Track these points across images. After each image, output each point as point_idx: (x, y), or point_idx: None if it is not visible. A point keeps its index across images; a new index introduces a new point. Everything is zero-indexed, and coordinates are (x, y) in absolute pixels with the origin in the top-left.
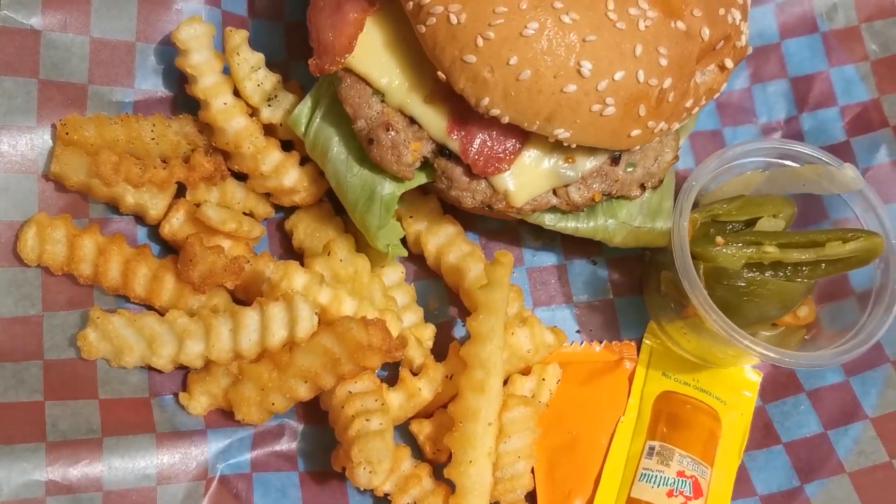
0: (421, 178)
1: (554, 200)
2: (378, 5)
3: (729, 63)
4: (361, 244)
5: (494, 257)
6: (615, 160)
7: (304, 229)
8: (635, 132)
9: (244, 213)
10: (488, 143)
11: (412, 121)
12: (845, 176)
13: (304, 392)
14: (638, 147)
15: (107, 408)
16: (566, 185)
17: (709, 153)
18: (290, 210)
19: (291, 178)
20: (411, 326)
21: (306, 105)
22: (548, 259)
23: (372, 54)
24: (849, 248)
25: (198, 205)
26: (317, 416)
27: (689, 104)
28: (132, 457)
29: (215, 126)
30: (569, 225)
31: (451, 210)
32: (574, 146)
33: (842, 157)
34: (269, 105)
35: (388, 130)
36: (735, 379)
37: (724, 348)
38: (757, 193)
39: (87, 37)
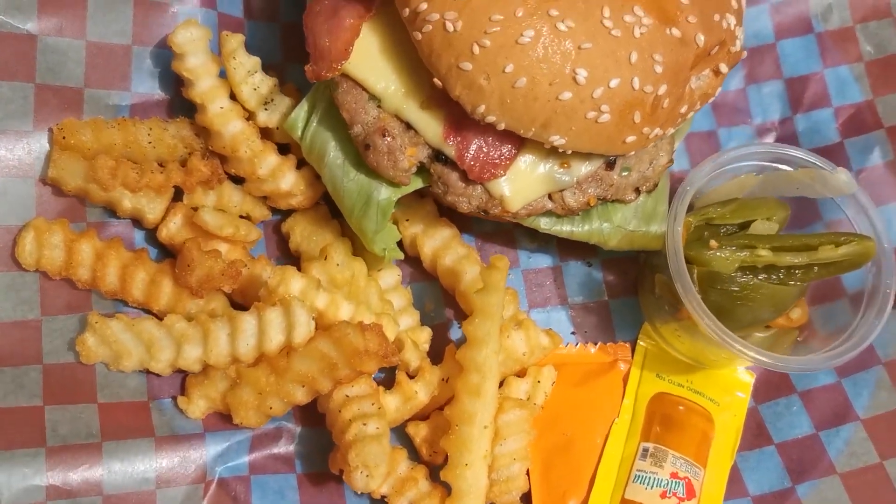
0: (417, 183)
1: (549, 205)
2: (374, 11)
3: (724, 68)
4: (358, 247)
5: (490, 262)
6: (610, 165)
7: (301, 232)
8: (630, 138)
9: (241, 216)
10: (484, 149)
11: (408, 126)
12: (838, 180)
13: (301, 396)
14: (633, 152)
15: (106, 412)
16: (561, 190)
17: (704, 154)
18: (286, 212)
19: (288, 181)
20: (408, 330)
21: (303, 109)
22: (543, 261)
23: (368, 60)
24: (841, 252)
25: (195, 208)
26: (314, 418)
27: (683, 109)
28: (131, 461)
29: (212, 130)
30: (564, 228)
31: (448, 213)
32: (569, 152)
33: (835, 159)
34: (266, 109)
35: (384, 136)
36: (728, 380)
37: (718, 350)
38: (751, 196)
39: (83, 41)
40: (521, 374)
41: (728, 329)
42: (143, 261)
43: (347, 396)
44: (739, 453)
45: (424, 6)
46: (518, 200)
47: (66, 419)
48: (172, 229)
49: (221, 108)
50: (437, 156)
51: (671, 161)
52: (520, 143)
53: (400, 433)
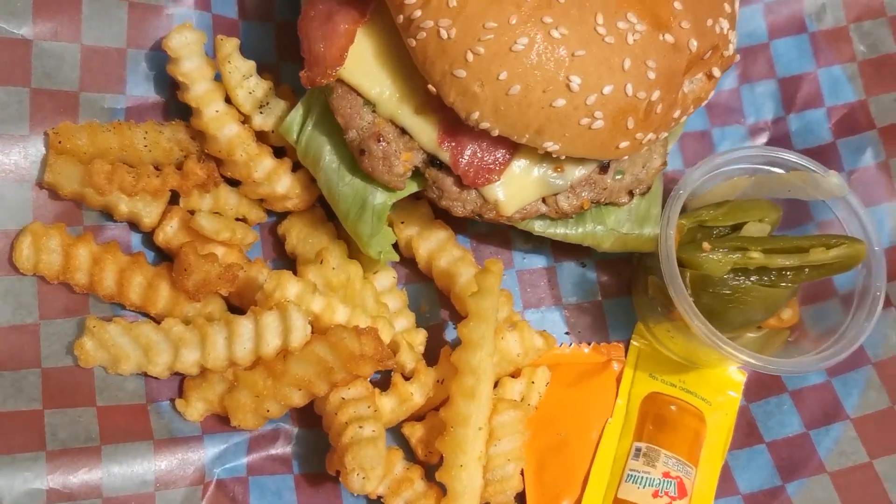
0: (412, 187)
1: (543, 208)
2: (368, 16)
3: (716, 72)
4: (353, 249)
5: (485, 265)
6: (604, 168)
7: (297, 234)
8: (624, 144)
9: (237, 219)
10: (478, 154)
11: (403, 131)
12: (830, 183)
13: (298, 399)
14: (626, 156)
15: (105, 415)
16: (555, 194)
17: (697, 154)
18: (282, 214)
19: (284, 185)
20: (403, 332)
21: (298, 113)
22: (537, 261)
23: (363, 65)
24: (832, 255)
25: (191, 212)
26: (311, 419)
27: (676, 114)
28: (130, 463)
29: (207, 134)
30: (558, 231)
31: (443, 214)
32: (563, 157)
33: (828, 159)
34: (261, 112)
35: (379, 141)
36: (720, 379)
37: (710, 351)
38: (743, 198)
39: (78, 44)
40: (515, 374)
41: (720, 330)
42: (140, 265)
43: (343, 399)
44: (730, 452)
45: (418, 13)
46: (512, 205)
47: (66, 423)
48: (169, 233)
49: (217, 111)
50: (432, 161)
51: (665, 163)
52: (514, 147)
53: (396, 433)
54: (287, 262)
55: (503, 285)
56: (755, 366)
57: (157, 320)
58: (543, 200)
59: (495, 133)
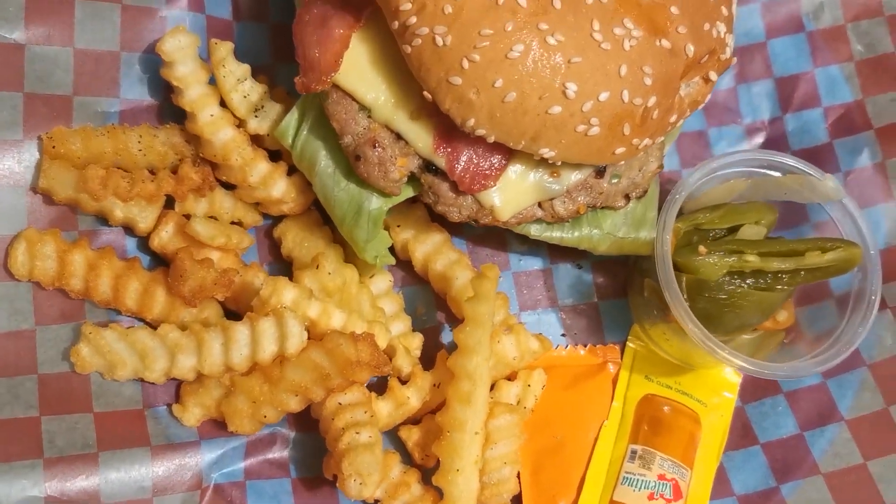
0: (408, 192)
1: (539, 213)
2: (363, 21)
3: (713, 76)
4: (349, 253)
5: (481, 271)
6: (600, 173)
7: (293, 238)
8: (620, 150)
9: (232, 222)
10: (474, 160)
11: (398, 137)
12: (826, 186)
13: (294, 405)
14: (623, 161)
15: (102, 421)
16: (551, 199)
17: (694, 154)
18: (278, 216)
19: (279, 189)
20: (399, 336)
21: (293, 116)
22: (534, 263)
23: (358, 70)
24: (828, 258)
25: (186, 216)
26: (308, 423)
27: (673, 119)
28: (128, 470)
29: (202, 138)
30: (554, 235)
31: (438, 217)
32: (559, 163)
33: (824, 159)
34: (256, 116)
35: (374, 147)
36: (716, 380)
37: (705, 354)
38: (739, 200)
39: (71, 48)
40: (511, 377)
41: (715, 334)
42: (135, 270)
43: (340, 404)
44: (725, 453)
45: (414, 20)
46: (508, 210)
47: (63, 430)
48: (164, 238)
49: (212, 115)
50: (428, 166)
51: (661, 166)
52: (510, 153)
53: (392, 436)
54: (283, 264)
55: (499, 287)
56: (750, 371)
57: (153, 326)
58: (539, 205)
59: (491, 140)
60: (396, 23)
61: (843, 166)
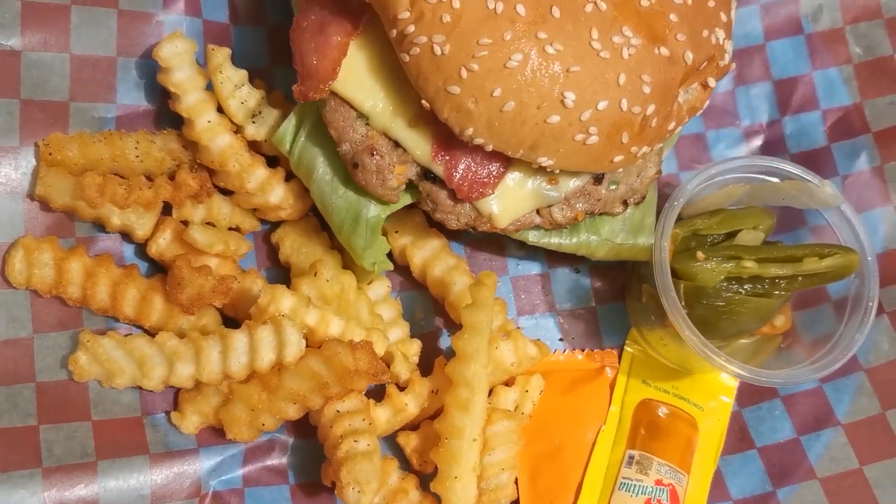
0: (406, 199)
1: (537, 220)
2: (361, 28)
3: (712, 82)
4: (347, 259)
5: (479, 278)
6: (598, 179)
7: (291, 244)
8: (618, 158)
9: (230, 228)
10: (472, 168)
11: (396, 144)
12: (824, 193)
13: (293, 412)
14: (621, 169)
15: (100, 429)
16: (549, 206)
17: (692, 157)
18: (276, 221)
19: (277, 195)
20: (397, 342)
21: (291, 123)
22: (532, 268)
23: (356, 78)
24: (825, 264)
25: (184, 222)
26: (306, 430)
27: (671, 126)
28: (126, 478)
29: (200, 144)
30: (552, 241)
31: (436, 223)
32: (558, 171)
33: (822, 163)
34: (254, 122)
35: (372, 155)
36: (713, 384)
37: (702, 359)
38: (737, 205)
39: (68, 54)
40: (509, 382)
41: (713, 340)
42: (133, 278)
43: (338, 412)
44: (722, 457)
45: (412, 28)
46: (506, 217)
47: (61, 438)
48: (162, 245)
49: (209, 122)
50: (426, 174)
51: (659, 172)
52: (508, 160)
53: (390, 442)
54: (281, 269)
55: (497, 292)
56: (747, 378)
57: (151, 333)
58: (538, 212)
59: (489, 148)
60: (395, 31)
61: (841, 170)
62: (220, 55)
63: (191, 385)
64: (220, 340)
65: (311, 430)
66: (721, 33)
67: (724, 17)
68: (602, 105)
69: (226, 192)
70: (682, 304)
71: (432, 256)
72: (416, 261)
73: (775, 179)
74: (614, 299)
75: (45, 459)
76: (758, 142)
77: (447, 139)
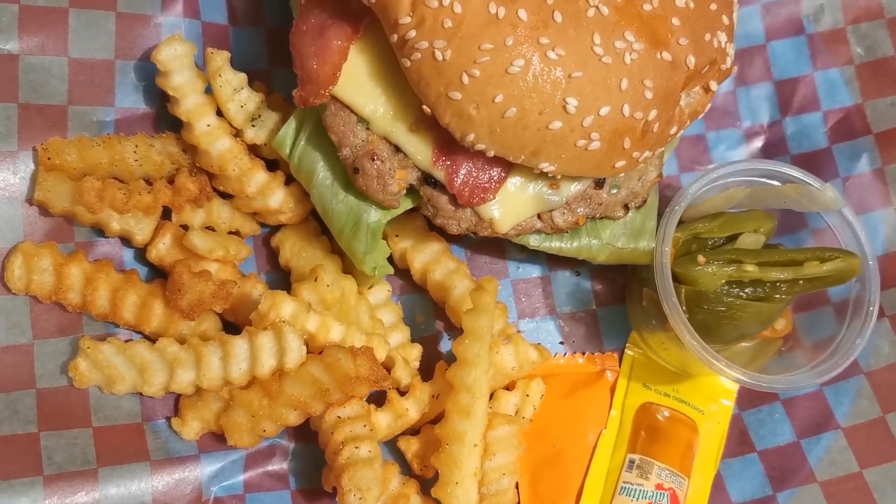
0: (407, 204)
1: (538, 224)
2: (361, 32)
3: (713, 85)
4: (348, 263)
5: (480, 283)
6: (599, 183)
7: (291, 248)
8: (620, 163)
9: (230, 232)
10: (474, 173)
11: (397, 149)
12: (825, 196)
13: (293, 418)
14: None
15: (101, 436)
16: (550, 210)
17: (692, 158)
18: (276, 225)
19: (277, 199)
20: (398, 347)
21: (291, 126)
22: (532, 271)
23: (356, 82)
24: (826, 269)
25: (184, 226)
26: (307, 435)
27: (673, 130)
28: (127, 485)
29: (199, 148)
30: (553, 245)
31: (437, 227)
32: (559, 176)
33: (823, 164)
34: (253, 125)
35: (373, 160)
36: (713, 387)
37: (703, 364)
38: (738, 208)
39: (66, 58)
40: (509, 386)
41: (714, 344)
42: (133, 283)
43: (339, 418)
44: (723, 461)
45: (413, 33)
46: (507, 222)
47: (62, 446)
48: (162, 250)
49: (208, 125)
50: (427, 179)
51: (660, 175)
52: (509, 166)
53: (391, 446)
54: (281, 273)
55: (498, 296)
56: (748, 384)
57: (151, 339)
58: (539, 216)
59: (491, 154)
60: (395, 36)
61: (842, 171)
62: (220, 59)
63: (191, 391)
64: (220, 346)
65: (312, 435)
66: (723, 36)
67: (726, 19)
68: (604, 111)
69: (225, 196)
70: (684, 308)
71: (433, 260)
72: (416, 265)
73: (776, 183)
74: (615, 302)
75: (45, 467)
76: (758, 143)
77: (448, 144)
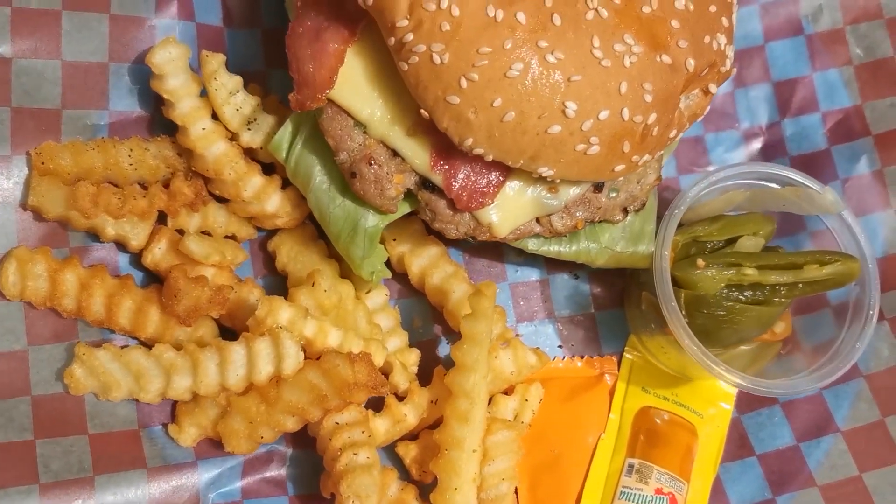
0: (405, 208)
1: (537, 228)
2: (358, 35)
3: (713, 88)
4: (345, 267)
5: (478, 288)
6: (598, 187)
7: (287, 252)
8: (619, 167)
9: (226, 237)
10: (472, 177)
11: (395, 153)
12: (825, 199)
13: (291, 425)
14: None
15: (97, 443)
16: (549, 214)
17: (691, 160)
18: (273, 229)
19: (273, 203)
20: (396, 351)
21: (287, 130)
22: (531, 274)
23: (353, 86)
24: (826, 272)
25: (179, 231)
26: (305, 441)
27: (673, 133)
28: (124, 493)
29: (195, 152)
30: (552, 249)
31: (434, 230)
32: (558, 180)
33: (822, 166)
34: (249, 129)
35: (370, 164)
36: (712, 391)
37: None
38: (737, 211)
39: (59, 60)
40: (508, 391)
41: (713, 348)
42: (128, 289)
43: (337, 424)
44: (722, 464)
45: (410, 37)
46: (506, 226)
47: (58, 453)
48: (157, 255)
49: (203, 129)
50: (425, 183)
51: (659, 178)
52: (507, 170)
53: (389, 451)
54: (278, 277)
55: (496, 300)
56: (747, 388)
57: (147, 344)
58: (537, 220)
59: (489, 158)
60: (393, 39)
61: (842, 173)
62: (215, 62)
63: (188, 397)
64: (217, 353)
65: (310, 441)
66: (723, 38)
67: (725, 21)
68: (603, 114)
69: (221, 200)
70: (683, 312)
71: (431, 264)
72: (414, 269)
73: (775, 185)
74: (613, 305)
75: (41, 475)
76: (757, 144)
77: (446, 148)
